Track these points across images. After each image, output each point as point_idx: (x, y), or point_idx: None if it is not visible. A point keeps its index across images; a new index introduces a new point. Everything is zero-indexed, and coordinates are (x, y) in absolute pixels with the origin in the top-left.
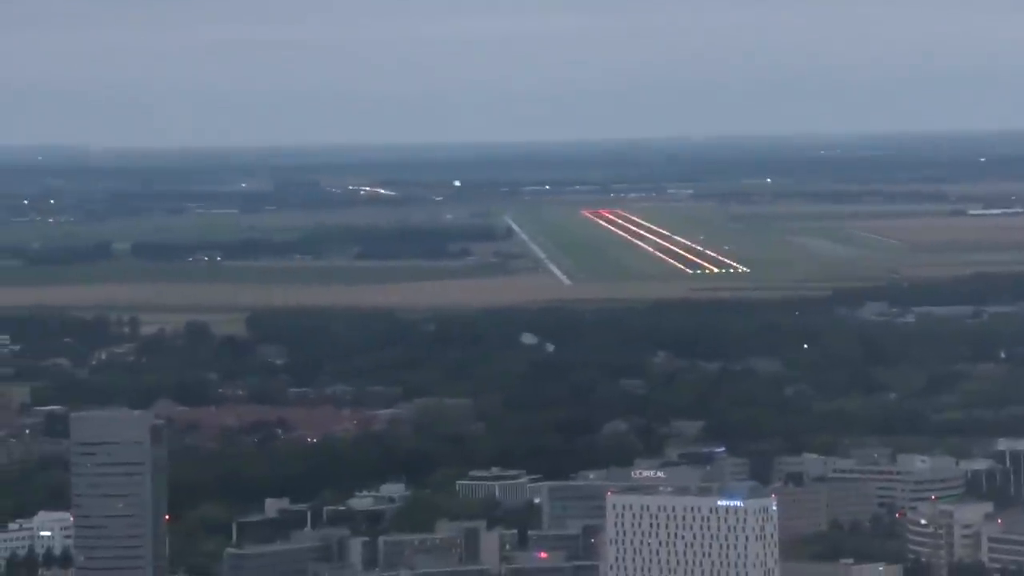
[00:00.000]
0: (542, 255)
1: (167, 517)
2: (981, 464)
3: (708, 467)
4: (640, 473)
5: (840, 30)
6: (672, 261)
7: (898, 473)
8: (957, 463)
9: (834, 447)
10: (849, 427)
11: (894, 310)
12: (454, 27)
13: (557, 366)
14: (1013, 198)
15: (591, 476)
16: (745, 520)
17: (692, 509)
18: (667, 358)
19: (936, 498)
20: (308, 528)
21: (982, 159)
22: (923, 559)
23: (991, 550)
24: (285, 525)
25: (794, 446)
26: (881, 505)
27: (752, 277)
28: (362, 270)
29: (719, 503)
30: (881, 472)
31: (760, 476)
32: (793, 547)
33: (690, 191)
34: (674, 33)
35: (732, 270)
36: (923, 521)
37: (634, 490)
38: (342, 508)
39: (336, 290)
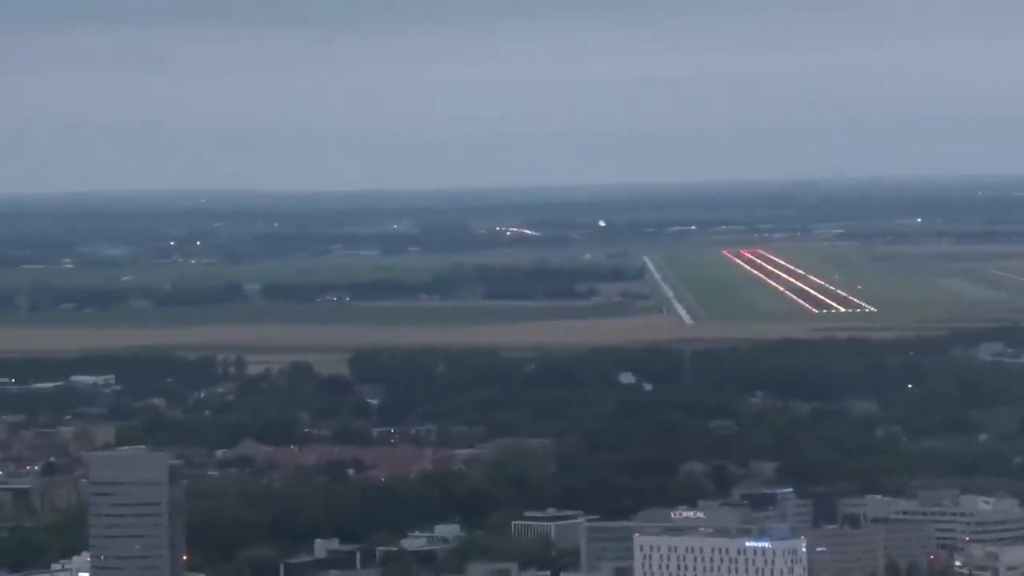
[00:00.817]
0: (670, 294)
1: (185, 557)
2: None
3: (771, 508)
4: (680, 514)
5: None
6: (801, 301)
7: (960, 515)
8: (1022, 505)
9: (904, 489)
10: (928, 469)
11: (1010, 351)
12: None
13: (649, 406)
14: None
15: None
16: (773, 562)
17: (720, 551)
18: (764, 398)
19: (970, 539)
20: (358, 569)
21: None
22: None
23: None
24: (334, 566)
25: (868, 487)
26: (941, 547)
27: (877, 317)
28: (484, 310)
29: (747, 544)
30: (943, 514)
31: (823, 518)
32: None
33: (839, 231)
34: (828, 74)
35: (859, 310)
36: (958, 563)
37: (668, 531)
38: (394, 549)
39: (452, 330)
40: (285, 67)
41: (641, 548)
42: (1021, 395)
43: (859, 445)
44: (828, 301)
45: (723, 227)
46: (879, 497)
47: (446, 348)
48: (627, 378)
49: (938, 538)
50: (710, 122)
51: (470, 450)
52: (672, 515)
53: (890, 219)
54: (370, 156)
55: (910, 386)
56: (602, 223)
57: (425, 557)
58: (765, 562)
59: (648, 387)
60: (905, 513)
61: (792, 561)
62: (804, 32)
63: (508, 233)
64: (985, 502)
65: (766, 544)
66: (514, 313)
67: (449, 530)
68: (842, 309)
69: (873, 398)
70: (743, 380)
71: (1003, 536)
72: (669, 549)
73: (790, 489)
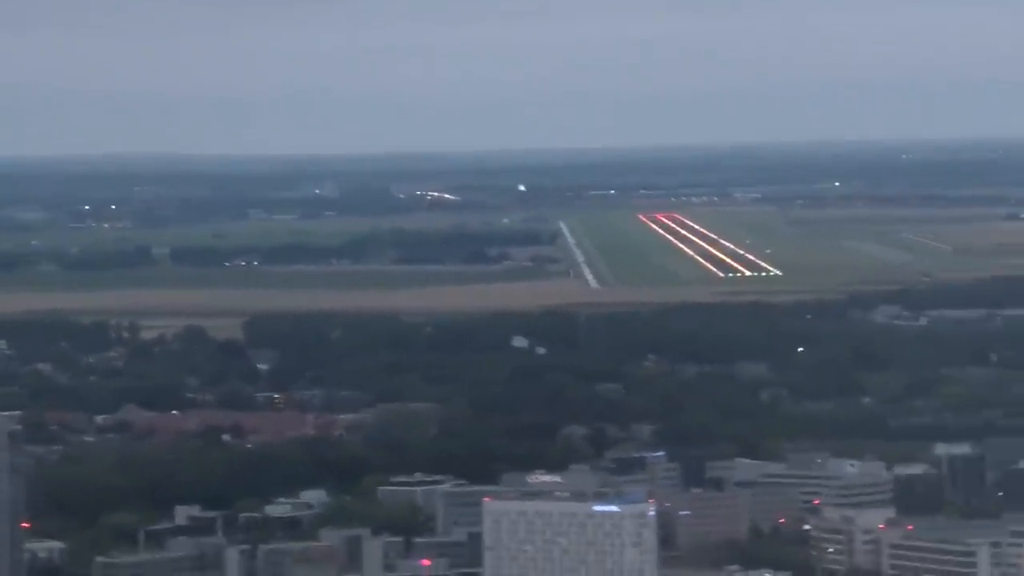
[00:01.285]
0: (581, 259)
1: (26, 524)
2: (916, 469)
3: (639, 472)
4: (538, 479)
5: (945, 33)
6: (709, 265)
7: (825, 478)
8: (890, 468)
9: (776, 452)
10: (806, 432)
11: (906, 314)
12: (541, 33)
13: (539, 370)
14: None
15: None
16: (622, 526)
17: (568, 515)
18: (656, 362)
19: (818, 502)
20: (217, 535)
21: None
22: (821, 565)
23: (891, 556)
24: (194, 532)
25: (744, 450)
26: (805, 510)
27: (781, 281)
28: (393, 274)
29: (595, 509)
30: (809, 477)
31: (693, 481)
32: (699, 553)
33: (757, 195)
34: (762, 37)
35: (765, 274)
36: (806, 527)
37: (524, 496)
38: (257, 515)
39: (356, 295)
40: (215, 32)
41: (490, 513)
42: (911, 358)
43: (741, 408)
44: (735, 265)
45: (642, 192)
46: (747, 461)
47: (345, 313)
48: (520, 342)
49: (803, 501)
50: (643, 87)
51: (353, 415)
52: (529, 480)
53: (811, 183)
54: (299, 121)
55: (801, 349)
56: (522, 188)
57: (289, 523)
58: (613, 526)
59: (541, 351)
60: (772, 476)
61: (641, 525)
62: None
63: (429, 197)
64: (851, 465)
65: (614, 508)
66: (423, 277)
67: (315, 496)
68: (748, 273)
69: (763, 361)
70: (638, 344)
71: (866, 499)
72: (518, 514)
73: (661, 453)
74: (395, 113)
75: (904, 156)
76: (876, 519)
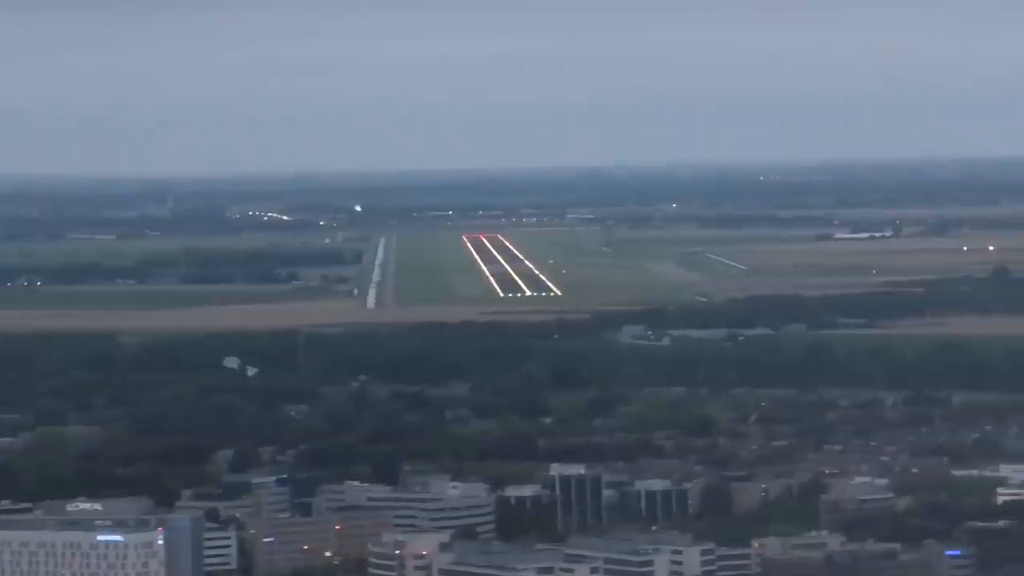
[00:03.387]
0: (376, 279)
1: None
2: (527, 491)
3: (244, 496)
4: (77, 506)
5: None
6: (496, 285)
7: (426, 501)
8: (500, 490)
9: (397, 473)
10: (458, 452)
11: (650, 333)
12: (404, 50)
13: (230, 390)
14: (900, 223)
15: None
16: (126, 556)
17: (72, 545)
18: (364, 382)
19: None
20: None
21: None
22: None
23: None
24: None
25: (381, 473)
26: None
27: (555, 300)
28: (168, 294)
29: (99, 538)
30: (411, 500)
31: (304, 507)
32: None
33: (590, 216)
34: (637, 55)
35: (545, 294)
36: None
37: (55, 524)
38: None
39: (112, 314)
40: (77, 46)
41: None
42: (616, 377)
43: (409, 428)
44: (522, 285)
45: (481, 213)
46: (357, 484)
47: (67, 333)
48: (232, 363)
49: (398, 525)
50: (502, 106)
51: (11, 439)
52: (68, 507)
53: (650, 205)
54: (154, 141)
55: (520, 370)
56: (358, 208)
57: None
58: (117, 556)
59: (252, 372)
60: (376, 500)
61: (147, 555)
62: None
63: (266, 218)
64: (454, 487)
65: (119, 538)
66: (197, 297)
67: None
68: (528, 293)
69: (469, 381)
70: (355, 364)
71: (464, 522)
72: (20, 545)
73: (277, 478)
74: (249, 133)
75: (761, 178)
76: (430, 543)
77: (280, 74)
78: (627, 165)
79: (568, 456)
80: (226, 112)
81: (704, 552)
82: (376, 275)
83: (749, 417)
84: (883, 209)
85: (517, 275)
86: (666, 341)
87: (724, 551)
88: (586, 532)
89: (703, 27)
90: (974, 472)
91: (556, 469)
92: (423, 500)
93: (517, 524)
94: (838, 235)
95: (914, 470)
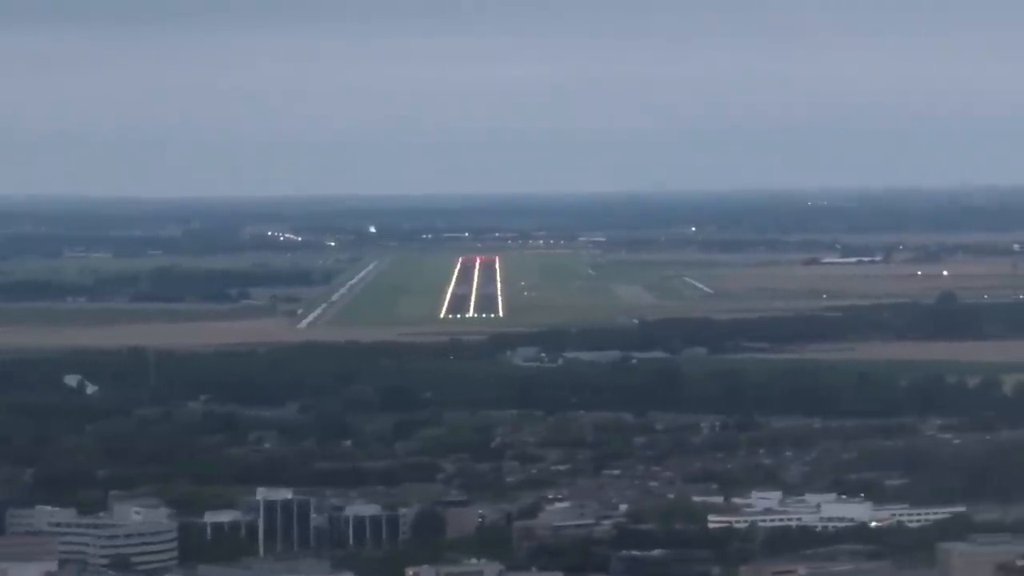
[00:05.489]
0: (331, 300)
1: None
2: (225, 516)
3: None
4: None
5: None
6: (446, 306)
7: (105, 527)
8: (175, 515)
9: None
10: (207, 476)
11: (543, 355)
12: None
13: (43, 410)
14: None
15: None
16: None
17: None
18: (204, 402)
19: None
20: None
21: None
22: None
23: None
24: None
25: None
26: (67, 562)
27: (488, 322)
28: (105, 311)
29: None
30: (90, 526)
31: None
32: None
33: (601, 239)
34: (672, 82)
35: (486, 315)
36: None
37: None
38: None
39: (24, 330)
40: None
41: None
42: (456, 399)
43: (181, 450)
44: (471, 306)
45: (496, 234)
46: (48, 508)
47: None
48: (71, 380)
49: (65, 551)
50: (543, 131)
51: None
52: None
53: (668, 228)
54: (194, 163)
55: (352, 390)
56: (372, 229)
57: None
58: None
59: (92, 389)
60: (57, 525)
61: None
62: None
63: (282, 238)
64: (136, 512)
65: None
66: (130, 315)
67: None
68: (471, 315)
69: (307, 401)
70: (208, 383)
71: (142, 549)
72: None
73: None
74: (287, 157)
75: (808, 203)
76: (33, 573)
77: (326, 98)
78: (685, 191)
79: (322, 480)
80: (268, 134)
81: None
82: (336, 296)
83: (546, 440)
84: (899, 235)
85: (476, 297)
86: (559, 363)
87: None
88: (279, 558)
89: (762, 54)
90: (720, 499)
91: (262, 493)
92: (98, 526)
93: (208, 551)
94: (825, 259)
95: (653, 496)
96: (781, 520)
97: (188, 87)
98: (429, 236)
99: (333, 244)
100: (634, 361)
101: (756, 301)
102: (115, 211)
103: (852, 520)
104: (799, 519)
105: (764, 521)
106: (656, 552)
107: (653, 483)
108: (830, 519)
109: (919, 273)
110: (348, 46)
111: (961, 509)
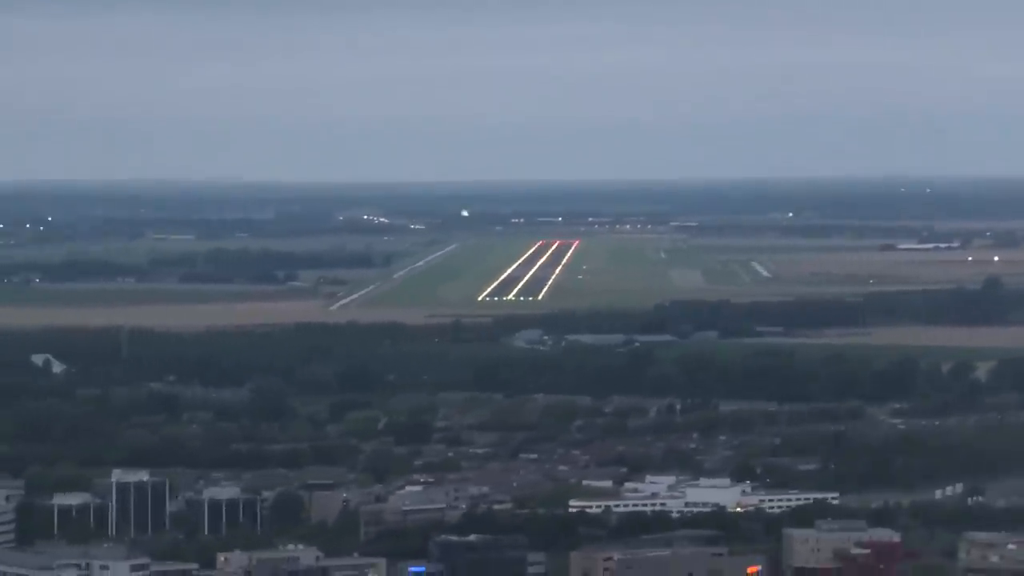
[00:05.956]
0: (381, 282)
1: None
2: (75, 499)
3: None
4: None
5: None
6: (494, 289)
7: None
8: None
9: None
10: (101, 456)
11: (547, 338)
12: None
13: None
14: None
15: None
16: None
17: None
18: (169, 383)
19: None
20: None
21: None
22: None
23: None
24: None
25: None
26: None
27: (523, 305)
28: (148, 292)
29: None
30: None
31: None
32: None
33: (693, 224)
34: (801, 68)
35: (526, 298)
36: None
37: None
38: None
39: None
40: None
41: None
42: (420, 382)
43: (101, 431)
44: (515, 289)
45: (589, 219)
46: None
47: None
48: (38, 359)
49: None
50: (677, 119)
51: None
52: None
53: (764, 214)
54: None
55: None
56: (464, 213)
57: None
58: None
59: (59, 369)
60: None
61: None
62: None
63: (376, 222)
64: None
65: None
66: (170, 295)
67: None
68: (511, 297)
69: (264, 382)
70: (180, 363)
71: None
72: None
73: None
74: (402, 142)
75: (902, 190)
76: None
77: (472, 85)
78: (798, 178)
79: (220, 462)
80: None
81: (135, 568)
82: (390, 278)
83: (487, 423)
84: (995, 222)
85: (528, 279)
86: (561, 346)
87: (160, 567)
88: (131, 541)
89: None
90: (609, 484)
91: (116, 475)
92: None
93: (51, 532)
94: (902, 246)
95: (554, 480)
96: (642, 506)
97: (313, 76)
98: (521, 220)
99: (420, 227)
100: (637, 344)
101: (804, 286)
102: (206, 194)
103: (715, 506)
104: (662, 504)
105: (619, 507)
106: (473, 537)
107: (563, 467)
108: (692, 504)
109: (969, 259)
110: (479, 33)
111: (833, 495)
